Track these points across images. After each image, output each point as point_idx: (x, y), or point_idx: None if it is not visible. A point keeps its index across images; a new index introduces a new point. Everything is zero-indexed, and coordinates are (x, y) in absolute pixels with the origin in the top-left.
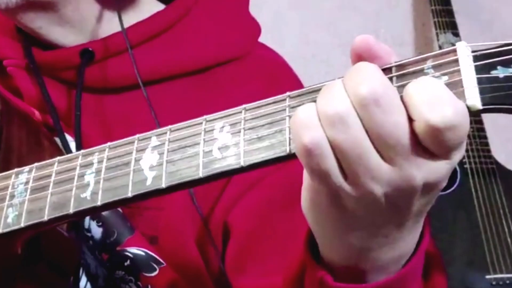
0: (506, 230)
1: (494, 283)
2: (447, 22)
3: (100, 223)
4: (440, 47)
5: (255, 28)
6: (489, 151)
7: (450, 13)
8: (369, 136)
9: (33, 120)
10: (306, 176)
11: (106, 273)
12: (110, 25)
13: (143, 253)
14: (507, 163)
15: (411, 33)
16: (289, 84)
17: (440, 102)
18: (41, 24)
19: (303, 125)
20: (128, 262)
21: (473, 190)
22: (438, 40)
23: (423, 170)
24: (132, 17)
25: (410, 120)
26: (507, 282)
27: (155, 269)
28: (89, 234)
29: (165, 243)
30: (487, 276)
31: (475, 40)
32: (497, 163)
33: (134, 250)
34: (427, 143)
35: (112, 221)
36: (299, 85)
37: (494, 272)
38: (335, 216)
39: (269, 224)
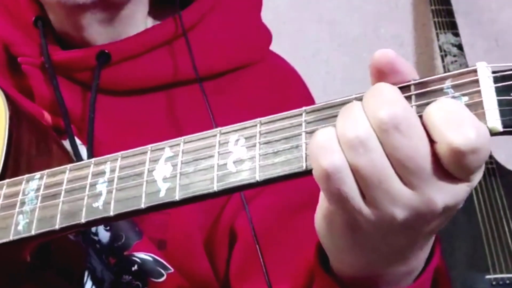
0: (507, 230)
1: (494, 283)
2: (447, 22)
3: (107, 227)
4: (440, 47)
5: (267, 36)
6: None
7: (450, 13)
8: (389, 160)
9: (42, 124)
10: (322, 197)
11: (112, 278)
12: (132, 28)
13: (150, 259)
14: (507, 163)
15: (411, 33)
16: (299, 93)
17: (463, 124)
18: (92, 21)
19: (322, 148)
20: (136, 267)
21: (473, 190)
22: (438, 40)
23: (443, 193)
24: (145, 24)
25: (431, 142)
26: (507, 282)
27: (163, 275)
28: (96, 238)
29: (174, 248)
30: (487, 276)
31: (475, 40)
32: (497, 163)
33: (142, 255)
34: (448, 166)
35: (120, 225)
36: (308, 94)
37: (494, 272)
38: (349, 236)
39: (276, 230)
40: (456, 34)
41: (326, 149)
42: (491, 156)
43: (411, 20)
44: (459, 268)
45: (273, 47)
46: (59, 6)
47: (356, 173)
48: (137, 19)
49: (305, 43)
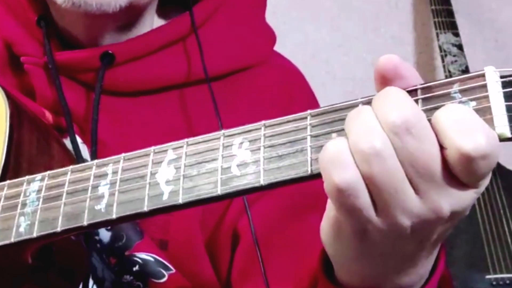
0: (506, 230)
1: (494, 283)
2: (447, 22)
3: (109, 227)
4: (440, 47)
5: (271, 37)
6: None
7: (450, 13)
8: (402, 165)
9: (43, 123)
10: (330, 206)
11: (113, 277)
12: (140, 28)
13: (152, 259)
14: (507, 163)
15: (411, 33)
16: (304, 94)
17: (473, 130)
18: (111, 27)
19: (334, 162)
20: (137, 267)
21: None
22: (438, 40)
23: (451, 200)
24: (150, 26)
25: (440, 147)
26: (507, 282)
27: (164, 275)
28: (97, 238)
29: (175, 249)
30: (487, 276)
31: (475, 40)
32: (497, 163)
33: (143, 256)
34: (457, 172)
35: (121, 225)
36: (312, 95)
37: (494, 272)
38: (356, 246)
39: (278, 233)
40: (456, 34)
41: (338, 163)
42: None
43: (411, 20)
44: (459, 268)
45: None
46: (83, 15)
47: (370, 184)
48: (147, 20)
49: (305, 43)
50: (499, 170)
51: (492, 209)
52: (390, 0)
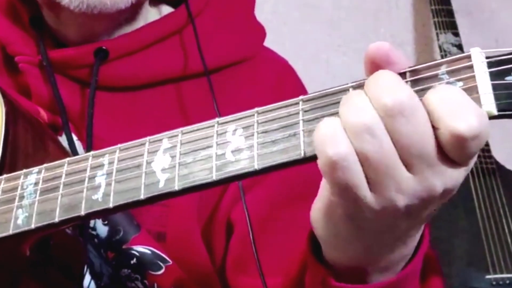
0: (506, 230)
1: (494, 283)
2: (447, 22)
3: (106, 222)
4: (440, 47)
5: (261, 31)
6: (489, 151)
7: (450, 13)
8: (395, 146)
9: (38, 121)
10: (323, 187)
11: (111, 271)
12: (134, 23)
13: (149, 252)
14: (507, 163)
15: (411, 33)
16: (293, 85)
17: (465, 111)
18: (113, 24)
19: (327, 138)
20: (135, 260)
21: (473, 190)
22: (438, 40)
23: (443, 178)
24: (144, 19)
25: (433, 128)
26: (507, 282)
27: (161, 267)
28: (94, 233)
29: (173, 240)
30: (487, 276)
31: (475, 40)
32: (497, 163)
33: (140, 249)
34: (449, 151)
35: (118, 220)
36: (302, 85)
37: (494, 272)
38: (347, 226)
39: (271, 222)
40: (456, 34)
41: (332, 138)
42: (491, 156)
43: (411, 20)
44: (459, 268)
45: (274, 47)
46: (86, 15)
47: (364, 160)
48: (141, 14)
49: (305, 43)
50: (499, 170)
51: (492, 208)
52: (390, 0)
